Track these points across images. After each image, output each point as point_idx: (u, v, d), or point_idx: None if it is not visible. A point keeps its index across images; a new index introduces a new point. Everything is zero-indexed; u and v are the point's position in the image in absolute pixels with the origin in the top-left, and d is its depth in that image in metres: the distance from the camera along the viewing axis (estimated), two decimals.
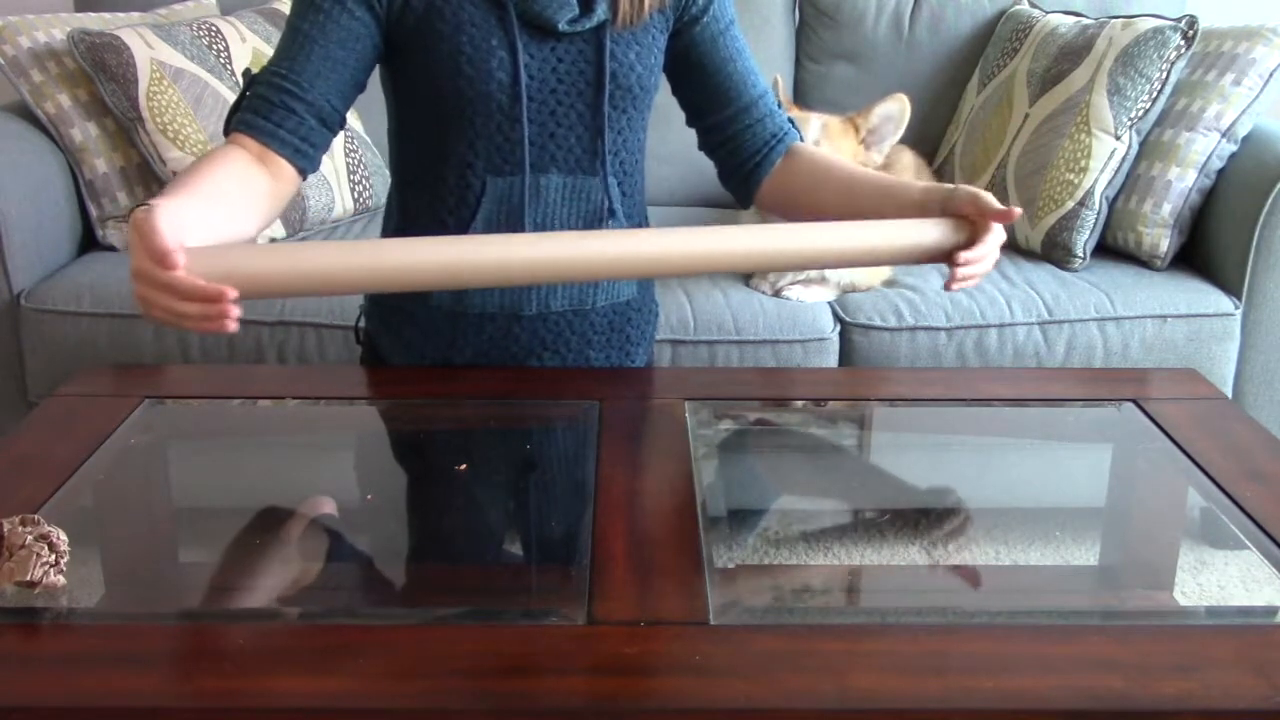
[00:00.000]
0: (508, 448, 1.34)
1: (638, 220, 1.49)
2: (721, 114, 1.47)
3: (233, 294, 1.02)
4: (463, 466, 1.19)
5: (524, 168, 1.36)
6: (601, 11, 1.34)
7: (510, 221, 1.38)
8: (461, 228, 1.38)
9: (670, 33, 1.41)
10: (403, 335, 1.50)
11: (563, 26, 1.33)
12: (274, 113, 1.30)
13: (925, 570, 1.12)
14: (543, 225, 1.39)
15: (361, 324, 1.59)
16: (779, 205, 1.50)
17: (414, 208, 1.44)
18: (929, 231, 1.27)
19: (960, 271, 1.27)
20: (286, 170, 1.31)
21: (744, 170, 1.48)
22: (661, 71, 1.44)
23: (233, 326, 1.03)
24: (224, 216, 1.17)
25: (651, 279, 1.56)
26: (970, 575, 1.09)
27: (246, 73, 1.36)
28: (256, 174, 1.28)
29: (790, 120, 1.50)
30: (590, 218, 1.41)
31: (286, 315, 2.01)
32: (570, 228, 1.40)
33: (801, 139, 1.50)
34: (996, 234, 1.28)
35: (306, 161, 1.33)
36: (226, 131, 1.32)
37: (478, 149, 1.37)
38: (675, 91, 1.49)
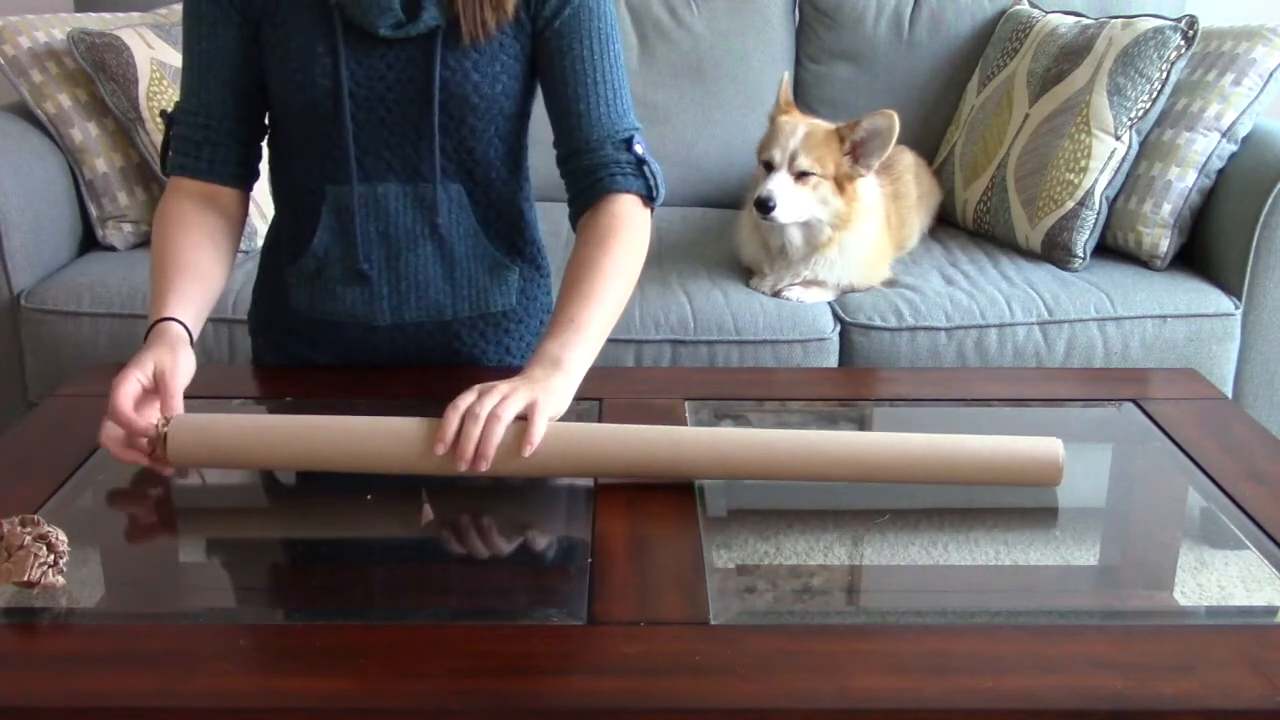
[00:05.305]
0: None
1: (505, 229, 1.43)
2: (558, 146, 1.38)
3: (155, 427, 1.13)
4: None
5: (352, 176, 1.35)
6: (430, 18, 1.29)
7: (348, 231, 1.37)
8: (307, 237, 1.39)
9: (530, 37, 1.34)
10: (270, 336, 1.52)
11: (384, 32, 1.29)
12: (201, 150, 1.36)
13: (925, 570, 1.12)
14: (384, 234, 1.37)
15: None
16: None
17: (278, 212, 1.47)
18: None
19: None
20: (233, 195, 1.39)
21: (573, 209, 1.38)
22: (515, 79, 1.35)
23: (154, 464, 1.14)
24: (211, 292, 1.33)
25: (549, 290, 1.53)
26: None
27: (164, 114, 1.40)
28: (212, 221, 1.36)
29: (630, 165, 1.34)
30: (430, 226, 1.37)
31: None
32: (416, 236, 1.37)
33: (641, 190, 1.34)
34: None
35: (247, 179, 1.41)
36: (165, 172, 1.40)
37: (310, 154, 1.36)
38: None
